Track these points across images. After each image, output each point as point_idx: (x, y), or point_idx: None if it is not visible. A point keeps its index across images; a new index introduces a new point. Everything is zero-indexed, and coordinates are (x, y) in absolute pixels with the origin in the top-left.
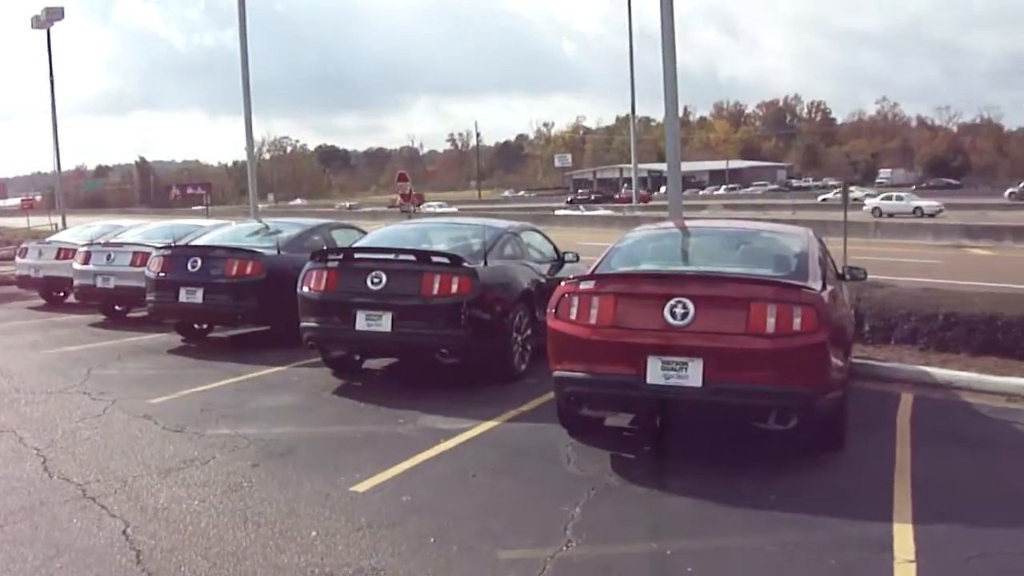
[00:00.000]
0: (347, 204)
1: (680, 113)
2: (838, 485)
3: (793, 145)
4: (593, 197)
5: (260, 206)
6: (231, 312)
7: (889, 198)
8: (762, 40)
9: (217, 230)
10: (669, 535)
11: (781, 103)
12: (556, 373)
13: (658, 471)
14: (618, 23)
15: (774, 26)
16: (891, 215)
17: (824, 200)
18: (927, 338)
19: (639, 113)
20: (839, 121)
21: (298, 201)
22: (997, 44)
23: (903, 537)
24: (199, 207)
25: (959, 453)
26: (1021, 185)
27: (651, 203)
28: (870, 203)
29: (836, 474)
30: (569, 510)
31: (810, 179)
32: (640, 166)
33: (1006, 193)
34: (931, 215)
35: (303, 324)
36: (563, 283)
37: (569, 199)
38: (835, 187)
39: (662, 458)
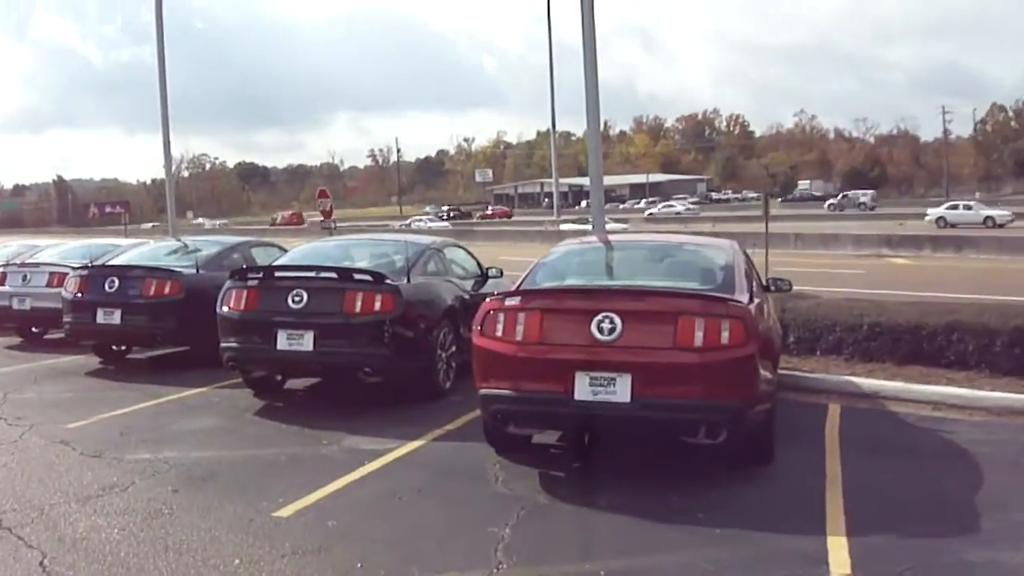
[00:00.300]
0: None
1: (600, 128)
2: (769, 498)
3: (712, 158)
4: (452, 214)
5: (213, 222)
6: (150, 333)
7: (955, 207)
8: (680, 55)
9: (135, 249)
10: (601, 554)
11: (700, 117)
12: (482, 391)
13: (588, 488)
14: (538, 39)
15: (692, 41)
16: (954, 225)
17: (650, 216)
18: (852, 348)
19: (560, 128)
20: (758, 134)
21: (200, 220)
22: (913, 56)
23: (837, 550)
24: (150, 224)
25: (888, 463)
26: (839, 197)
27: (513, 219)
28: (933, 213)
29: (767, 487)
30: (499, 531)
31: (729, 192)
32: (561, 180)
33: (826, 204)
34: (1001, 225)
35: (223, 344)
36: (488, 299)
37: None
38: (655, 201)
39: (591, 475)
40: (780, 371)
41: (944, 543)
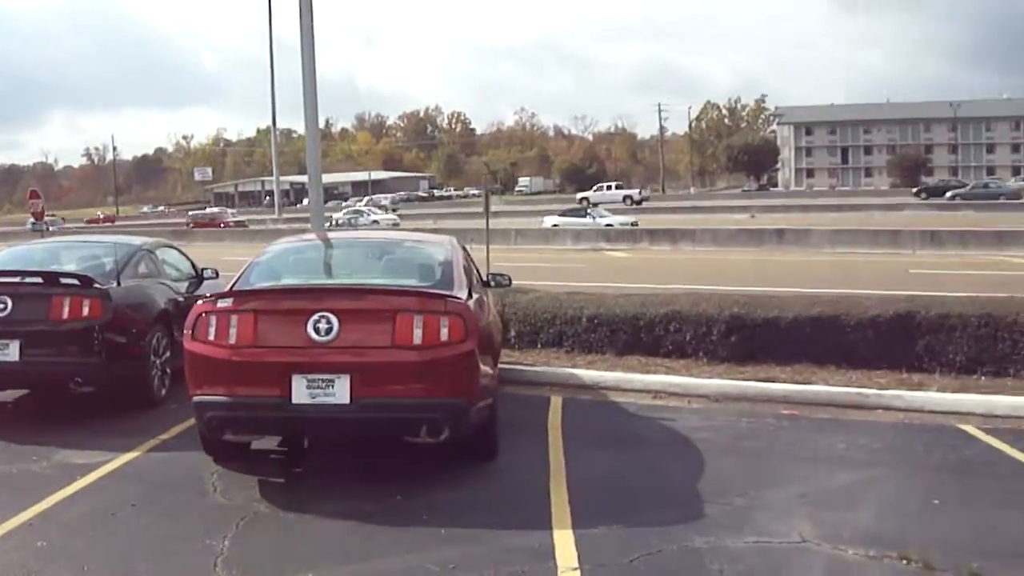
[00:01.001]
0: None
1: (321, 125)
2: (494, 495)
3: (434, 156)
4: (47, 217)
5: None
6: None
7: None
8: (402, 52)
9: None
10: (325, 561)
11: (422, 114)
12: (196, 398)
13: (310, 494)
14: (259, 34)
15: (414, 39)
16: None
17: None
18: (573, 340)
19: (281, 125)
20: (479, 131)
21: None
22: (630, 55)
23: (564, 545)
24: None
25: (611, 453)
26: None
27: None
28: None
29: (492, 484)
30: (218, 544)
31: (451, 189)
32: (283, 178)
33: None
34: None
35: None
36: (200, 302)
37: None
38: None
39: (313, 480)
40: (502, 365)
41: (670, 531)
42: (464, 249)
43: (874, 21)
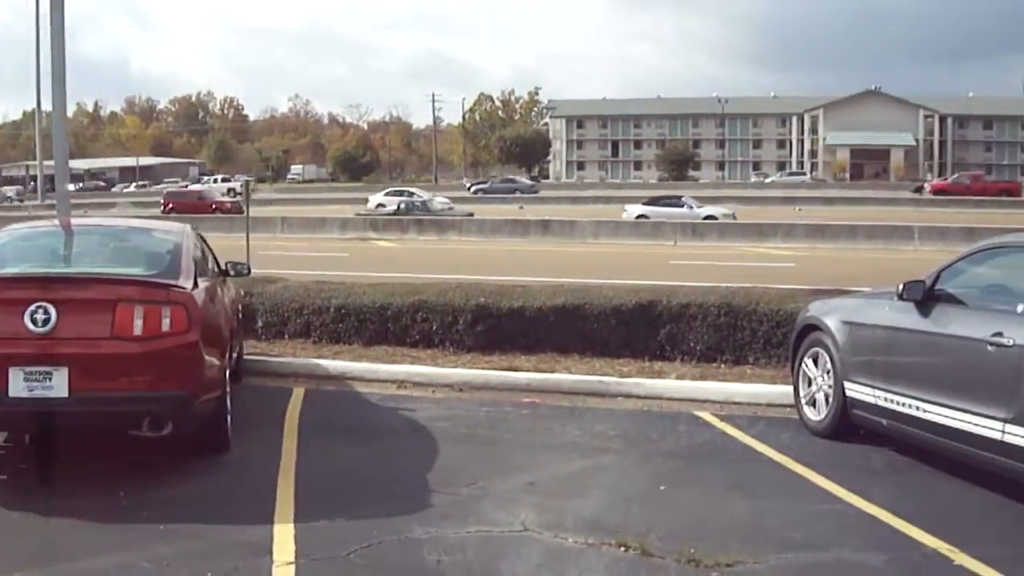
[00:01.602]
0: None
1: (90, 107)
2: (221, 490)
3: (206, 142)
4: None
5: None
6: None
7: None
8: (174, 34)
9: None
10: (34, 561)
11: (194, 99)
12: None
13: (29, 492)
14: (26, 11)
15: (186, 20)
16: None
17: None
18: (320, 331)
19: (48, 107)
20: (252, 118)
21: None
22: (406, 45)
23: (283, 539)
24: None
25: (347, 445)
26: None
27: None
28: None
29: (219, 479)
30: None
31: (219, 176)
32: (47, 163)
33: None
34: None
35: None
36: None
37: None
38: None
39: (35, 477)
40: (247, 356)
41: (393, 522)
42: (200, 237)
43: (648, 18)
